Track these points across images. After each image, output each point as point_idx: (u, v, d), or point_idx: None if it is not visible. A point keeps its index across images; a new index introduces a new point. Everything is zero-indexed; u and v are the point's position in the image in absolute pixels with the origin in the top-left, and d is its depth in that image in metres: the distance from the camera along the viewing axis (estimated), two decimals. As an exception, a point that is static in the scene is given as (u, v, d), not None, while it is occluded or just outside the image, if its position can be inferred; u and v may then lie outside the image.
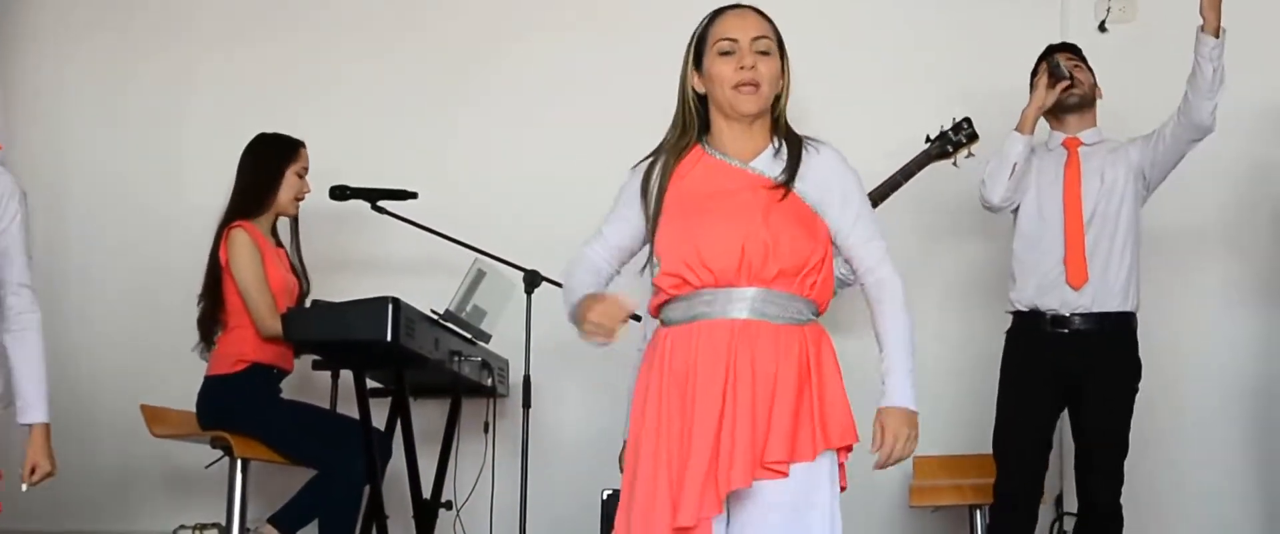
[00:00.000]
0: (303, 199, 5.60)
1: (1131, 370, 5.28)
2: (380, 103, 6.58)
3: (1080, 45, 5.57)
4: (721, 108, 3.62)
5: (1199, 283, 6.15)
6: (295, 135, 5.65)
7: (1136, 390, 5.27)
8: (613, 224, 3.73)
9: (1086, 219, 5.28)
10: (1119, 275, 5.25)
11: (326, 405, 5.78)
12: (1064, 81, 5.30)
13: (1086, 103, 5.39)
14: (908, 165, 5.49)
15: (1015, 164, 5.27)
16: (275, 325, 5.35)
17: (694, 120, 3.66)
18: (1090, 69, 5.43)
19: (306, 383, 5.91)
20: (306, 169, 5.60)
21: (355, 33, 6.66)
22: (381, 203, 5.70)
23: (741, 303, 3.51)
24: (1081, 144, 5.39)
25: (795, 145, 3.64)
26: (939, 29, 6.35)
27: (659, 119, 6.17)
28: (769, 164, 3.62)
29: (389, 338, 5.03)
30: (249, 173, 5.56)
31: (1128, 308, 5.28)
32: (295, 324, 5.24)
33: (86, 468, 6.42)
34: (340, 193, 5.67)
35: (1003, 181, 5.29)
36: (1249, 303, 6.14)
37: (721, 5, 3.70)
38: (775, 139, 3.66)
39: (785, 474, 3.45)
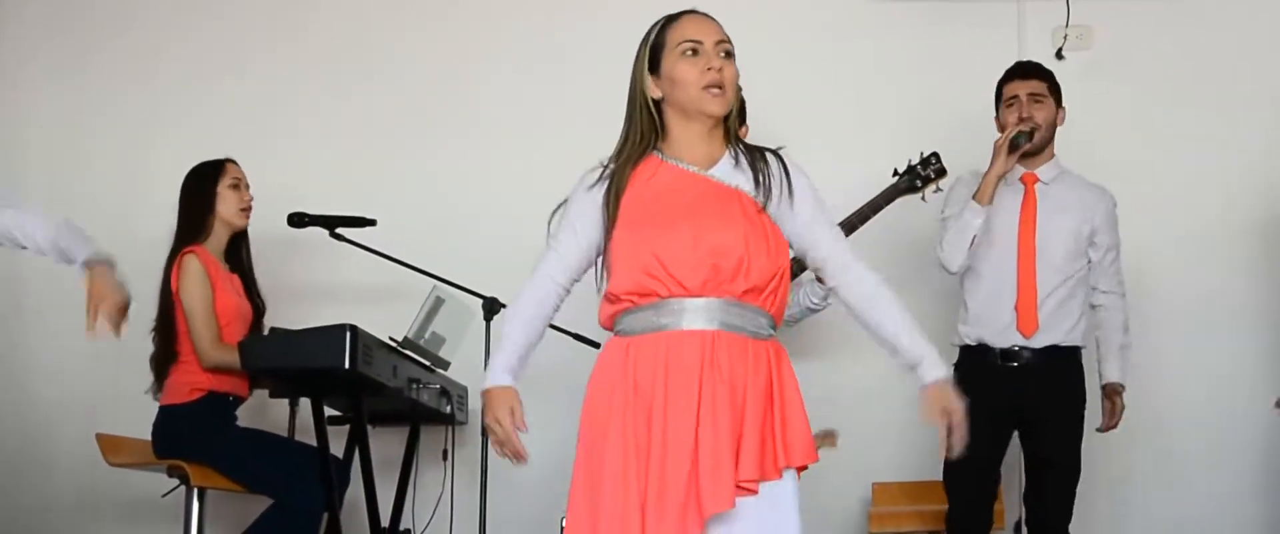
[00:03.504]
0: (248, 209, 5.60)
1: (1078, 399, 5.37)
2: (339, 131, 6.57)
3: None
4: (683, 111, 3.55)
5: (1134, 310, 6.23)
6: (254, 163, 5.67)
7: (1083, 417, 5.36)
8: (566, 241, 3.62)
9: (1040, 261, 5.34)
10: (1071, 314, 5.34)
11: (284, 433, 5.75)
12: (1024, 147, 5.33)
13: (1046, 142, 5.41)
14: (876, 199, 5.50)
15: (975, 236, 5.34)
16: (216, 355, 5.35)
17: (650, 126, 3.58)
18: (1054, 89, 5.43)
19: (264, 410, 5.90)
20: (239, 180, 5.60)
21: (315, 65, 6.64)
22: (340, 230, 5.67)
23: (709, 315, 3.44)
24: (1039, 180, 5.43)
25: (756, 157, 3.59)
26: (898, 59, 6.39)
27: (595, 158, 6.26)
28: (730, 173, 3.56)
29: (347, 365, 5.00)
30: (183, 201, 5.60)
31: (1075, 343, 5.37)
32: (252, 352, 5.21)
33: (43, 498, 6.39)
34: (298, 220, 5.64)
35: (963, 251, 5.36)
36: (1187, 329, 6.23)
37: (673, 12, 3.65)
38: (731, 147, 3.60)
39: (756, 492, 3.38)
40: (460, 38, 6.65)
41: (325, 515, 5.29)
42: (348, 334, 5.02)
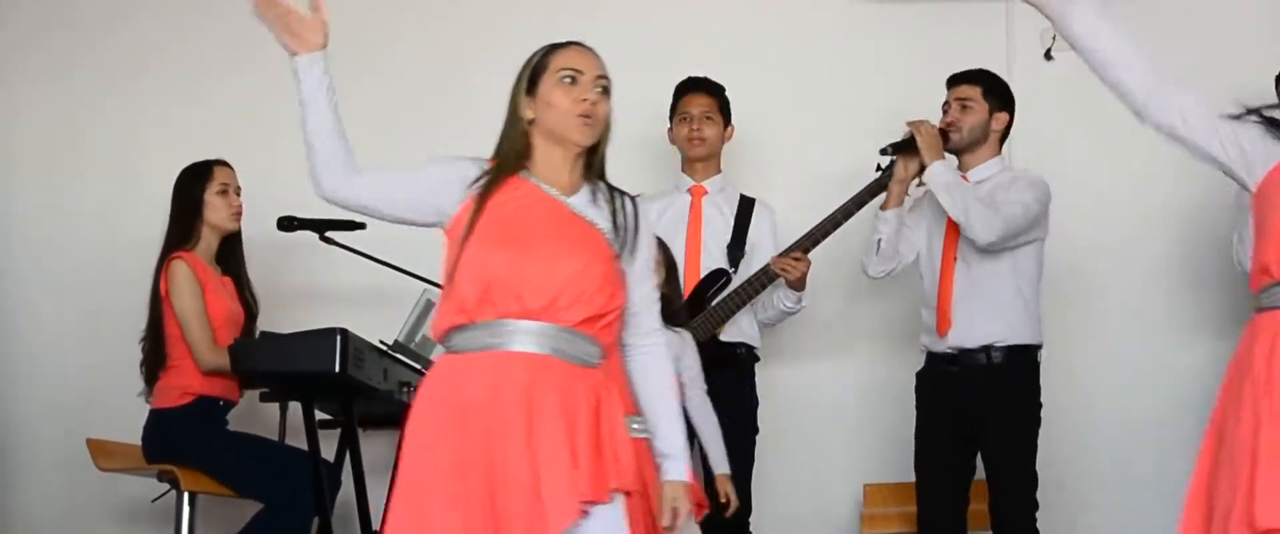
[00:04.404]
0: (238, 214, 5.60)
1: (1026, 399, 5.35)
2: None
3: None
4: (551, 135, 3.59)
5: (1115, 312, 6.22)
6: (250, 165, 5.67)
7: (1037, 419, 5.35)
8: (419, 177, 3.68)
9: (962, 260, 5.35)
10: (1003, 313, 5.32)
11: (274, 437, 5.76)
12: (896, 160, 5.41)
13: (972, 143, 5.43)
14: (860, 194, 5.53)
15: (880, 240, 5.43)
16: (213, 359, 5.35)
17: (523, 146, 3.62)
18: (991, 92, 5.44)
19: (254, 414, 5.88)
20: (229, 185, 5.60)
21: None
22: (330, 233, 5.66)
23: (540, 339, 3.45)
24: (969, 182, 5.40)
25: (615, 198, 3.64)
26: (887, 60, 6.37)
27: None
28: (586, 206, 3.59)
29: (337, 369, 5.01)
30: (173, 206, 5.59)
31: (1018, 341, 5.33)
32: (242, 355, 5.21)
33: (33, 503, 6.41)
34: (288, 223, 5.63)
35: (872, 257, 5.48)
36: (1165, 332, 6.19)
37: (558, 40, 3.71)
38: (591, 182, 3.64)
39: (587, 513, 3.38)
40: (460, 38, 6.65)
41: (316, 519, 5.30)
42: (338, 338, 5.03)
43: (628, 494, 3.47)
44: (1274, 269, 3.49)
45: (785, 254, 5.53)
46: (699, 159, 5.83)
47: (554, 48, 3.66)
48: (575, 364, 3.47)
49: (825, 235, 5.53)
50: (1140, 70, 3.65)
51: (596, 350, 3.52)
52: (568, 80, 3.58)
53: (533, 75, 3.63)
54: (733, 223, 5.80)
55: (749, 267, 5.71)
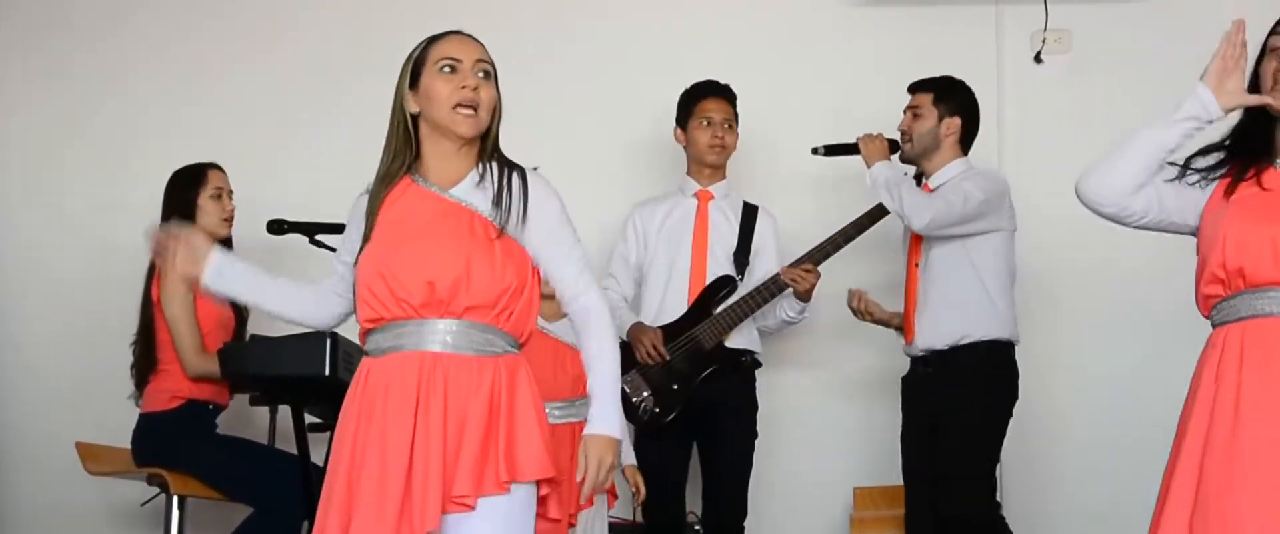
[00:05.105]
0: (230, 219, 5.60)
1: (986, 393, 5.30)
2: (336, 133, 6.55)
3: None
4: (436, 127, 3.60)
5: (1105, 312, 6.23)
6: (246, 168, 5.67)
7: (998, 413, 5.31)
8: (343, 261, 3.73)
9: (922, 264, 5.36)
10: (966, 310, 5.28)
11: (264, 441, 5.76)
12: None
13: (925, 150, 5.42)
14: (873, 210, 5.57)
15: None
16: (199, 366, 5.35)
17: (405, 144, 3.63)
18: (941, 99, 5.42)
19: (244, 418, 5.90)
20: (223, 189, 5.60)
21: (311, 67, 6.64)
22: (319, 237, 5.65)
23: (433, 336, 3.48)
24: (929, 190, 5.40)
25: (503, 175, 3.62)
26: (878, 63, 6.35)
27: (591, 158, 6.26)
28: (470, 192, 3.59)
29: (327, 372, 5.01)
30: (166, 209, 5.58)
31: (984, 337, 5.29)
32: (233, 359, 5.23)
33: (22, 506, 6.41)
34: (278, 227, 5.63)
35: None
36: (1157, 332, 6.14)
37: (441, 31, 3.76)
38: (480, 165, 3.63)
39: (471, 507, 3.39)
40: (460, 38, 6.62)
41: (305, 523, 5.28)
42: (328, 341, 5.02)
43: (547, 483, 3.51)
44: (1216, 288, 3.66)
45: (796, 265, 5.54)
46: (717, 165, 5.82)
47: (434, 39, 3.69)
48: (473, 355, 3.49)
49: (837, 249, 5.58)
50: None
51: (497, 337, 3.53)
52: (447, 70, 3.60)
53: (415, 69, 3.65)
54: (738, 229, 5.80)
55: (751, 273, 5.71)
